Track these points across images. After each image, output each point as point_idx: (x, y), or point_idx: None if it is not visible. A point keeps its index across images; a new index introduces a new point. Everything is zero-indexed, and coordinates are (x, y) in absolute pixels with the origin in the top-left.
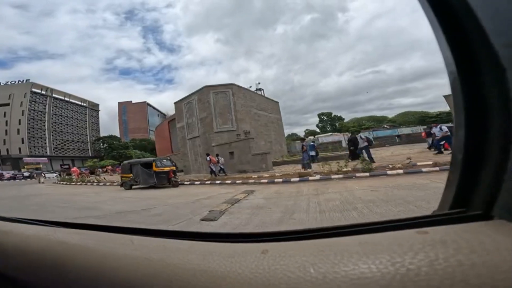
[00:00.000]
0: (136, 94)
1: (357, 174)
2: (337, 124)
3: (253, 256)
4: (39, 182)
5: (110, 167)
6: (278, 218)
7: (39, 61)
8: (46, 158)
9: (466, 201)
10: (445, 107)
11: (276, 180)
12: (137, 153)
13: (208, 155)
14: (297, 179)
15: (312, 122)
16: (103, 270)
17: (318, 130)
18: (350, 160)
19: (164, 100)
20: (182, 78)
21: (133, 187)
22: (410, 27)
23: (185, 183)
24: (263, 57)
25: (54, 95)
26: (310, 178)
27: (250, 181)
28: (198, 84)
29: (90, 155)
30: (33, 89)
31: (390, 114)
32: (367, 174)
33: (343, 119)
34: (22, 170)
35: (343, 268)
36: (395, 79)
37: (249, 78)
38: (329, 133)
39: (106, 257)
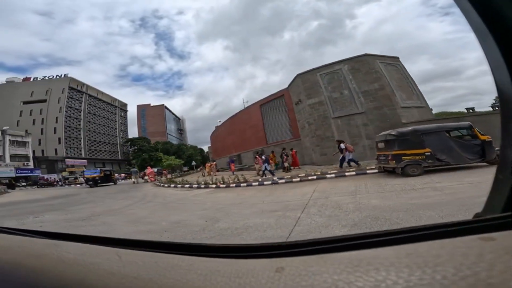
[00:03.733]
0: (147, 100)
1: None
2: None
3: (266, 276)
4: (134, 183)
5: (214, 163)
6: None
7: (57, 68)
8: (85, 160)
9: None
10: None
11: None
12: (164, 157)
13: (341, 142)
14: None
15: None
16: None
17: None
18: None
19: (174, 106)
20: (191, 84)
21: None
22: (416, 31)
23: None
24: (269, 63)
25: (88, 92)
26: None
27: None
28: (206, 90)
29: (119, 158)
30: (71, 85)
31: None
32: None
33: None
34: (63, 173)
35: (392, 286)
36: None
37: (255, 84)
38: None
39: (88, 273)
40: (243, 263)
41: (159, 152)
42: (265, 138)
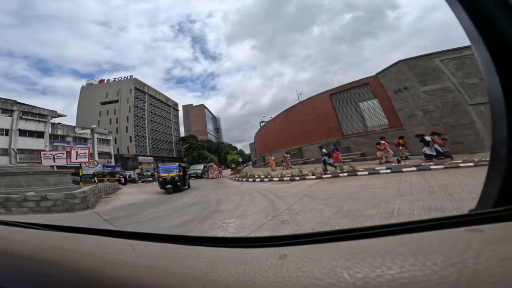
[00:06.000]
0: (188, 101)
1: None
2: None
3: (269, 262)
4: (209, 178)
5: (288, 156)
6: None
7: (117, 73)
8: (151, 158)
9: None
10: None
11: None
12: (210, 155)
13: (423, 135)
14: None
15: None
16: (99, 277)
17: None
18: None
19: (209, 106)
20: (223, 84)
21: None
22: None
23: None
24: (298, 60)
25: (149, 92)
26: None
27: None
28: (236, 90)
29: (175, 155)
30: (135, 85)
31: None
32: None
33: None
34: (137, 171)
35: (387, 271)
36: None
37: (282, 81)
38: None
39: (103, 263)
40: (248, 251)
41: (204, 150)
42: (340, 129)
